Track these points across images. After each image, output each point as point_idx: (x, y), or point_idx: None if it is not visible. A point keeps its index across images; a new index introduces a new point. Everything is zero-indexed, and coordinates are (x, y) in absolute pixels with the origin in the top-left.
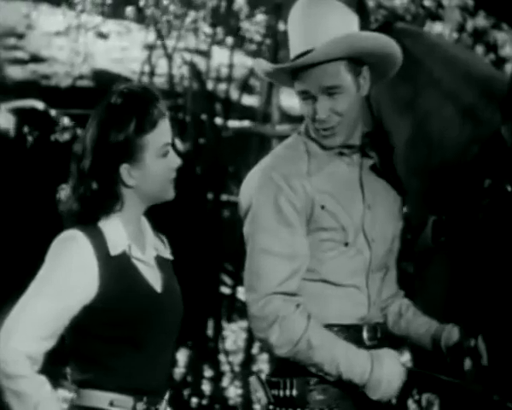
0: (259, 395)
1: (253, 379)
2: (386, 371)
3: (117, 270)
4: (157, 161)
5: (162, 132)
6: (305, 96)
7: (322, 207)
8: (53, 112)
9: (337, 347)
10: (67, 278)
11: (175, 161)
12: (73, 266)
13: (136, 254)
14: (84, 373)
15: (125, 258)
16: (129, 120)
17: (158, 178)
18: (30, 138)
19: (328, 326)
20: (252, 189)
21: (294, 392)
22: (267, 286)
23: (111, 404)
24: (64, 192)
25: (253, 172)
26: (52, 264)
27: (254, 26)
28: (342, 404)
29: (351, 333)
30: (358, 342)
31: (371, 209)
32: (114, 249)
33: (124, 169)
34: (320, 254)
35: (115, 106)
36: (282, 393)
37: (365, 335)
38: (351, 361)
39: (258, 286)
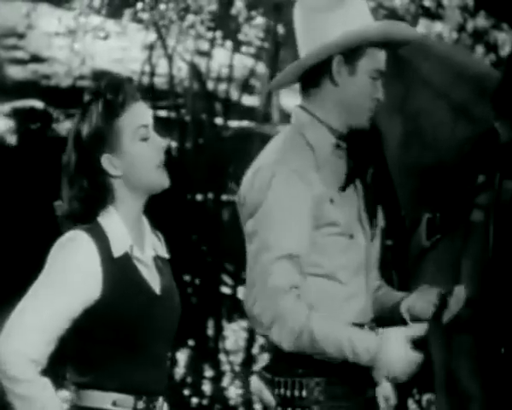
0: (265, 395)
1: (255, 379)
2: (393, 351)
3: (119, 272)
4: (136, 144)
5: (135, 114)
6: (378, 75)
7: (332, 201)
8: (53, 112)
9: (340, 333)
10: (70, 279)
11: (158, 142)
12: (77, 268)
13: (137, 255)
14: (85, 375)
15: (126, 259)
16: (96, 111)
17: (141, 163)
18: (29, 137)
19: None
20: (261, 185)
21: (304, 392)
22: (274, 283)
23: (114, 404)
24: (60, 208)
25: (257, 168)
26: (55, 265)
27: (253, 29)
28: (349, 404)
29: None
30: None
31: (362, 201)
32: (117, 251)
33: (105, 160)
34: (329, 249)
35: (85, 104)
36: (289, 393)
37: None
38: (355, 344)
39: (265, 283)
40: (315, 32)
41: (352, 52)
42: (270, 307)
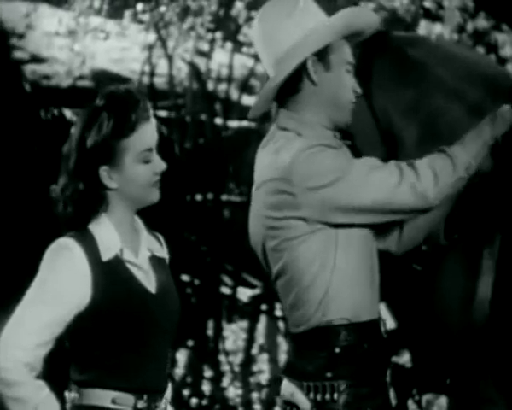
0: (298, 398)
1: (286, 383)
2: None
3: (109, 275)
4: (137, 166)
5: (142, 137)
6: (350, 68)
7: None
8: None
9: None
10: (61, 286)
11: (158, 166)
12: (67, 275)
13: (128, 258)
14: (85, 374)
15: (117, 262)
16: (107, 124)
17: (139, 182)
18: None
19: (358, 325)
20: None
21: (335, 395)
22: (393, 176)
23: (113, 402)
24: (54, 192)
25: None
26: (46, 273)
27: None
28: (373, 403)
29: (372, 329)
30: (378, 338)
31: None
32: (106, 254)
33: (103, 171)
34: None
35: (96, 108)
36: (320, 397)
37: (382, 328)
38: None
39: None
40: (276, 41)
41: (322, 49)
42: (410, 190)
